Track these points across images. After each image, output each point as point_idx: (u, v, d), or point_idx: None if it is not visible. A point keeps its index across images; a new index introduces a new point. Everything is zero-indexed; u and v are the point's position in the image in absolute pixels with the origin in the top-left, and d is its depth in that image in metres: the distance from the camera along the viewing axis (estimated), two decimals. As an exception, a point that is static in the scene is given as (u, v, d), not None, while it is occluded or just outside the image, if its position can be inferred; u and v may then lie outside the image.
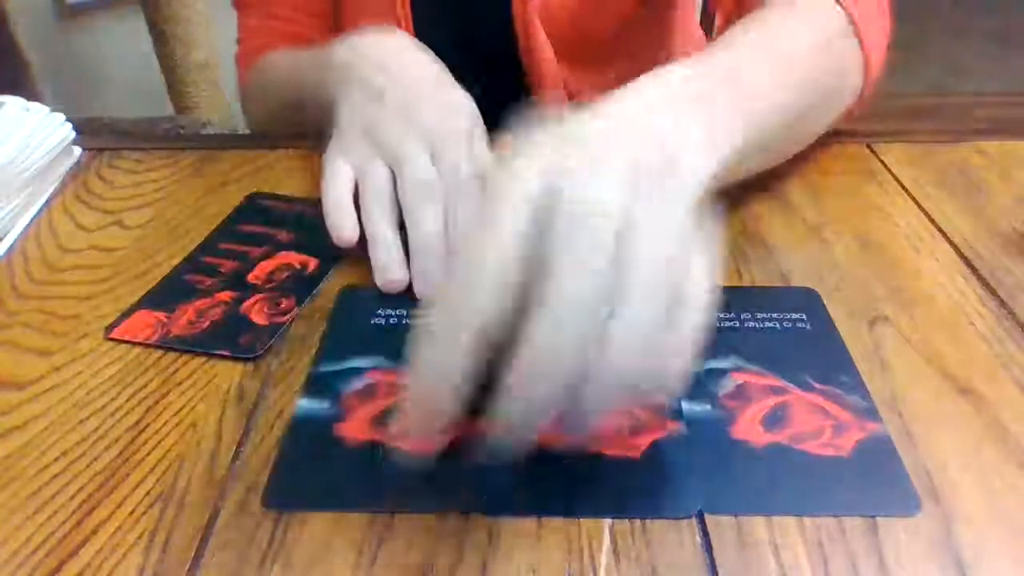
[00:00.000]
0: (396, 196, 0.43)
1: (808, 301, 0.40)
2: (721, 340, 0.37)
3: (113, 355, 0.38)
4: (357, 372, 0.36)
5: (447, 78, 0.47)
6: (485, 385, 0.26)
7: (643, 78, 0.35)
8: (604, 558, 0.28)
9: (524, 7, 0.61)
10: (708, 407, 0.33)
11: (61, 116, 0.54)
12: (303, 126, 0.56)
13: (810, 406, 0.33)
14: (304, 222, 0.47)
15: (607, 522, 0.29)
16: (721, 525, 0.29)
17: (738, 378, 0.35)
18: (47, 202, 0.51)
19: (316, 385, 0.35)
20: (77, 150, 0.56)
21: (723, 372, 0.35)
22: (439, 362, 0.26)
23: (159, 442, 0.33)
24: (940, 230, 0.45)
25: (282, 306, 0.40)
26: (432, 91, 0.46)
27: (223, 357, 0.37)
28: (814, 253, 0.43)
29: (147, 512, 0.30)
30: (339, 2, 0.68)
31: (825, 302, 0.39)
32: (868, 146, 0.55)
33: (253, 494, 0.30)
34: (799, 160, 0.53)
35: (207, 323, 0.39)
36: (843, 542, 0.28)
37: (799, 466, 0.31)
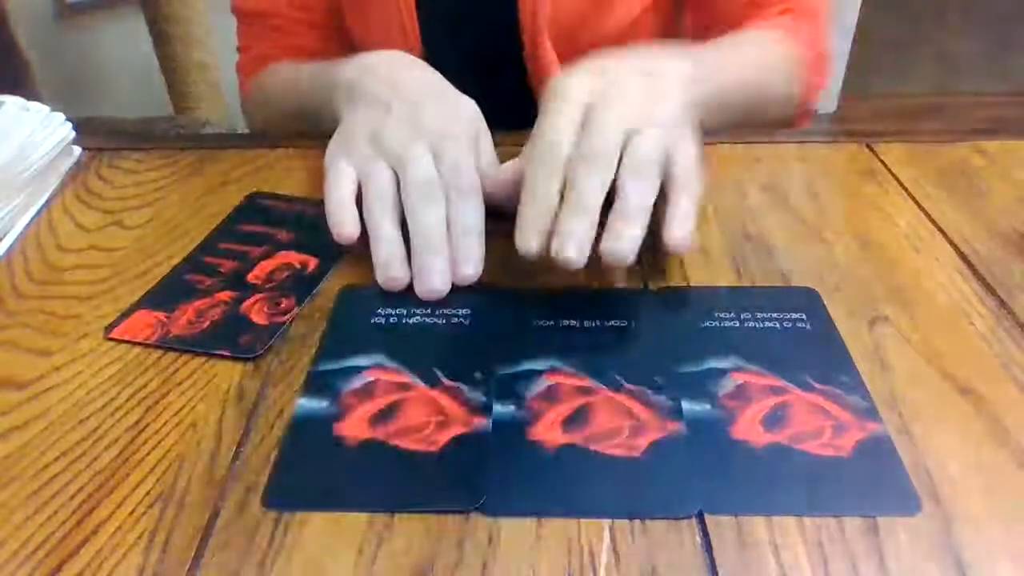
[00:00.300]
0: (398, 197, 0.43)
1: (808, 301, 0.40)
2: (721, 340, 0.37)
3: (113, 355, 0.38)
4: (357, 371, 0.36)
5: (452, 89, 0.48)
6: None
7: (637, 48, 0.46)
8: (604, 558, 0.28)
9: (534, 19, 0.61)
10: (708, 407, 0.33)
11: (61, 116, 0.54)
12: (306, 133, 0.56)
13: (810, 406, 0.33)
14: (304, 222, 0.47)
15: (607, 522, 0.29)
16: (721, 525, 0.29)
17: (738, 378, 0.35)
18: (47, 202, 0.51)
19: (316, 384, 0.35)
20: (77, 150, 0.56)
21: (723, 372, 0.35)
22: (537, 214, 0.38)
23: (159, 442, 0.33)
24: (940, 230, 0.45)
25: (282, 306, 0.40)
26: (436, 97, 0.46)
27: (223, 357, 0.37)
28: (814, 253, 0.44)
29: (147, 512, 0.30)
30: (344, 13, 0.68)
31: (825, 302, 0.40)
32: (868, 146, 0.55)
33: (253, 494, 0.30)
34: (799, 160, 0.53)
35: (207, 323, 0.39)
36: (843, 542, 0.28)
37: (799, 466, 0.31)
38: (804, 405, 0.34)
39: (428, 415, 0.33)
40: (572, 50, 0.63)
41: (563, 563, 0.28)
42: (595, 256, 0.37)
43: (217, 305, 0.40)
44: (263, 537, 0.29)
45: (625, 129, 0.39)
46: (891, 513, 0.29)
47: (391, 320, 0.39)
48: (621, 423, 0.33)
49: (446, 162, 0.43)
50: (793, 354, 0.36)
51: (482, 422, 0.33)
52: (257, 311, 0.40)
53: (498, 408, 0.34)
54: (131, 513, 0.30)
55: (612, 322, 0.38)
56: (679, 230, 0.38)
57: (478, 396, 0.34)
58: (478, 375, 0.35)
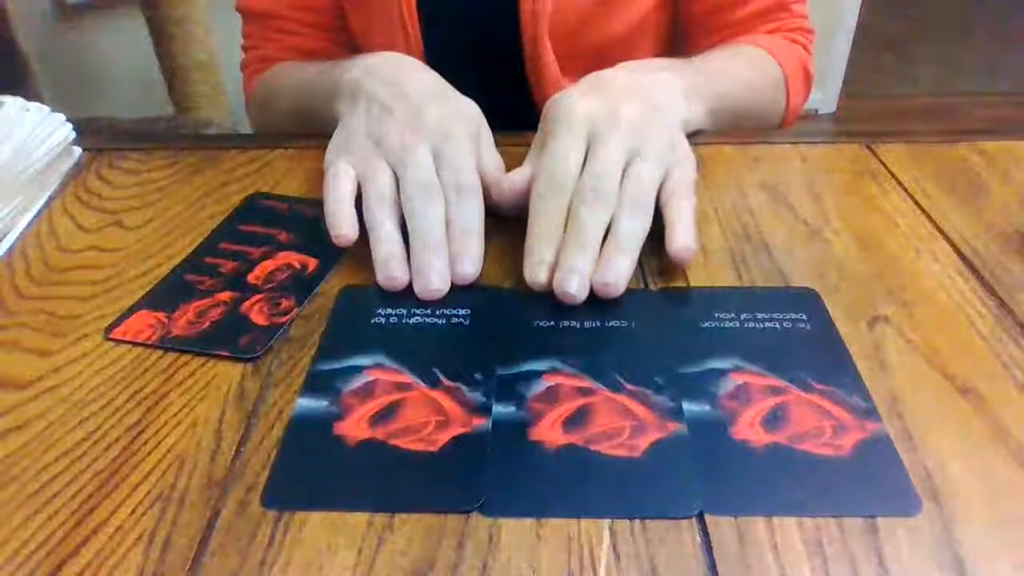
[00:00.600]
0: (398, 198, 0.43)
1: (808, 301, 0.40)
2: (721, 340, 0.37)
3: (113, 355, 0.38)
4: (357, 370, 0.36)
5: (453, 91, 0.48)
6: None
7: (632, 62, 0.52)
8: (604, 558, 0.28)
9: (535, 26, 0.62)
10: (708, 407, 0.33)
11: (61, 116, 0.54)
12: (308, 133, 0.56)
13: (810, 406, 0.33)
14: (304, 222, 0.47)
15: (607, 522, 0.29)
16: (721, 525, 0.29)
17: (738, 378, 0.35)
18: (47, 202, 0.51)
19: (316, 384, 0.35)
20: (77, 150, 0.56)
21: (723, 372, 0.35)
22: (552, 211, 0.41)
23: (159, 442, 0.33)
24: (940, 230, 0.45)
25: (282, 306, 0.40)
26: (437, 98, 0.46)
27: (223, 357, 0.37)
28: (814, 253, 0.44)
29: (147, 512, 0.30)
30: (347, 16, 0.69)
31: (825, 302, 0.40)
32: (868, 146, 0.55)
33: (253, 494, 0.30)
34: (799, 160, 0.53)
35: (207, 323, 0.39)
36: (843, 542, 0.28)
37: (799, 466, 0.31)
38: (804, 405, 0.34)
39: (428, 415, 0.33)
40: (574, 51, 0.63)
41: (563, 563, 0.28)
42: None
43: (217, 305, 0.40)
44: (263, 537, 0.29)
45: (626, 152, 0.42)
46: (891, 513, 0.29)
47: (391, 320, 0.39)
48: (622, 423, 0.33)
49: (446, 162, 0.43)
50: (793, 354, 0.36)
51: (482, 422, 0.33)
52: (257, 311, 0.40)
53: (499, 409, 0.34)
54: (131, 513, 0.30)
55: (612, 322, 0.38)
56: (682, 240, 0.40)
57: (478, 396, 0.34)
58: (478, 375, 0.35)
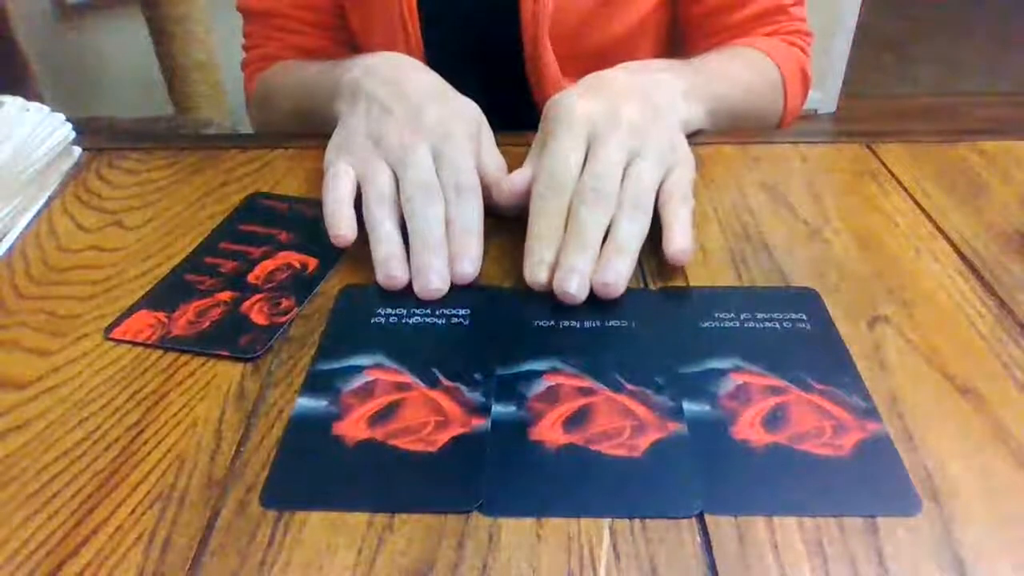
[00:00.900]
0: (398, 197, 0.43)
1: (808, 301, 0.40)
2: (721, 340, 0.37)
3: (113, 355, 0.38)
4: (356, 370, 0.36)
5: (453, 91, 0.48)
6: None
7: (632, 63, 0.52)
8: (604, 557, 0.28)
9: (535, 26, 0.62)
10: (708, 407, 0.33)
11: (61, 116, 0.54)
12: (308, 132, 0.56)
13: (810, 406, 0.33)
14: (304, 222, 0.47)
15: (607, 522, 0.29)
16: (721, 525, 0.29)
17: (738, 378, 0.35)
18: (47, 202, 0.51)
19: (315, 384, 0.35)
20: (77, 150, 0.56)
21: (723, 372, 0.35)
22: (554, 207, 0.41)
23: (159, 442, 0.33)
24: (940, 230, 0.45)
25: (282, 306, 0.40)
26: (437, 98, 0.47)
27: (223, 357, 0.37)
28: (814, 253, 0.44)
29: (147, 512, 0.30)
30: (348, 16, 0.69)
31: (825, 302, 0.40)
32: (868, 146, 0.55)
33: (253, 494, 0.30)
34: (799, 160, 0.53)
35: (207, 323, 0.39)
36: (843, 542, 0.28)
37: (799, 466, 0.31)
38: (804, 405, 0.34)
39: (427, 415, 0.33)
40: (574, 51, 0.63)
41: (563, 563, 0.28)
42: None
43: (217, 305, 0.40)
44: (263, 537, 0.29)
45: (627, 153, 0.43)
46: (891, 513, 0.29)
47: (391, 320, 0.39)
48: (622, 423, 0.33)
49: (446, 163, 0.43)
50: (793, 354, 0.36)
51: (481, 423, 0.33)
52: (257, 311, 0.40)
53: (499, 408, 0.34)
54: (131, 513, 0.30)
55: (612, 322, 0.38)
56: (679, 242, 0.40)
57: (477, 396, 0.34)
58: (478, 375, 0.35)
